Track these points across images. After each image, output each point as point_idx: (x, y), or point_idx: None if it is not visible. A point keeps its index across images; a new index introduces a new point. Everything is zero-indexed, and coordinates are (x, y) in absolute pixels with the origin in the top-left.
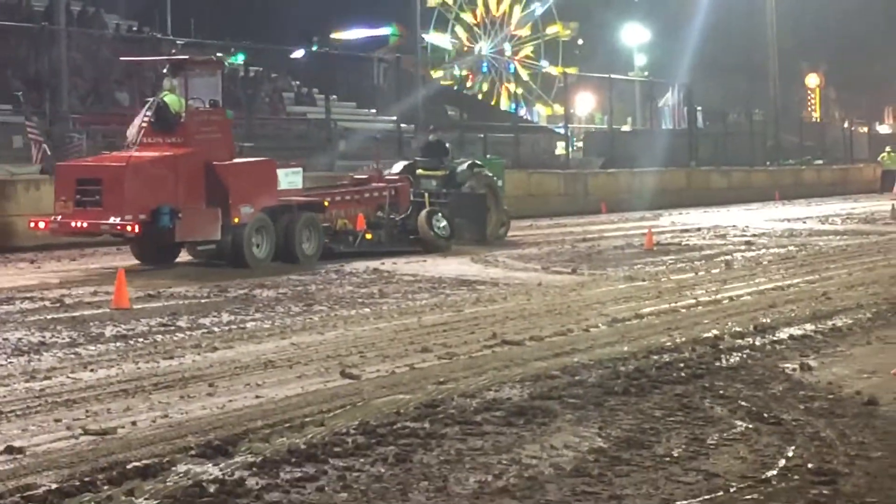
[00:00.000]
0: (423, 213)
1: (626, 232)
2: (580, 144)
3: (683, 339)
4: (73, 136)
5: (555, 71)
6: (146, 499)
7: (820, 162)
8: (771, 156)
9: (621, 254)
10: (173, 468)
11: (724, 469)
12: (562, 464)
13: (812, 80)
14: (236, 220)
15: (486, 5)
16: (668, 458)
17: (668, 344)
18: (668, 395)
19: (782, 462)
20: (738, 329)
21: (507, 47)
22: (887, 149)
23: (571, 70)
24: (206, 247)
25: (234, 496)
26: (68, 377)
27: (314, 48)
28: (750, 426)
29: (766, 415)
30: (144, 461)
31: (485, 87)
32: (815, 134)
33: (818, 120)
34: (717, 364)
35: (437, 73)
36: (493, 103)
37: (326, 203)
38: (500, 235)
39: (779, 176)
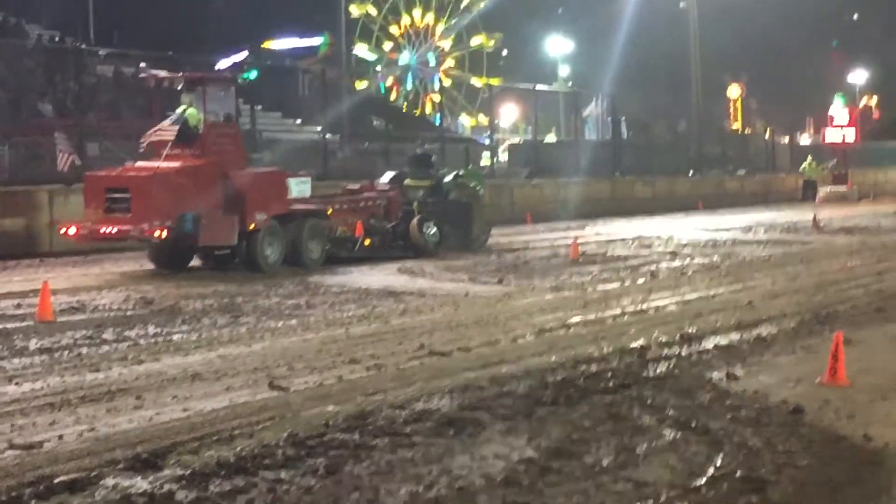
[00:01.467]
0: (415, 220)
1: (551, 242)
2: (505, 155)
3: (611, 349)
4: None
5: (479, 82)
6: None
7: (742, 172)
8: (694, 166)
9: (547, 264)
10: (101, 482)
11: (653, 478)
12: (492, 474)
13: (734, 91)
14: (252, 226)
15: (410, 16)
16: (597, 468)
17: (596, 354)
18: (596, 404)
19: (711, 470)
20: (664, 339)
21: (432, 58)
22: (808, 159)
23: (495, 81)
24: (221, 252)
25: None
26: None
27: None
28: (678, 435)
29: (694, 424)
30: (72, 475)
31: (409, 97)
32: (737, 144)
33: (740, 130)
34: (645, 374)
35: (361, 84)
36: (417, 114)
37: (330, 211)
38: (482, 242)
39: (702, 185)
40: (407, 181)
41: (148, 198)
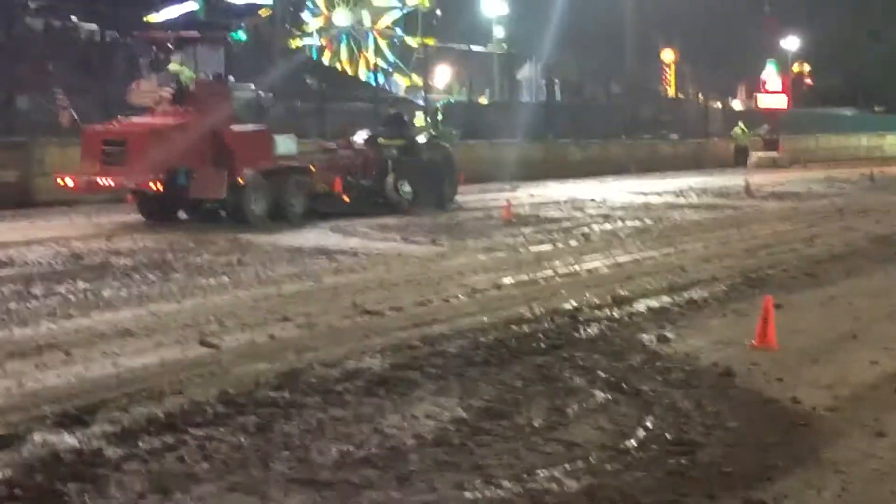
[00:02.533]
0: (390, 178)
1: (485, 203)
2: (439, 117)
3: (542, 310)
4: None
5: (414, 42)
6: (1, 469)
7: (675, 136)
8: (627, 129)
9: (480, 225)
10: (29, 438)
11: (584, 439)
12: (423, 434)
13: (667, 55)
14: (240, 180)
15: None
16: (528, 428)
17: (528, 315)
18: (528, 365)
19: (641, 432)
20: (596, 301)
21: (366, 17)
22: (740, 123)
23: (430, 41)
24: (211, 205)
25: (92, 466)
26: None
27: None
28: (609, 397)
29: (624, 385)
30: None
31: (343, 57)
32: (670, 108)
33: (673, 95)
34: (576, 335)
35: (295, 43)
36: (352, 74)
37: (313, 168)
38: (452, 200)
39: (635, 149)
40: (381, 140)
41: (144, 151)
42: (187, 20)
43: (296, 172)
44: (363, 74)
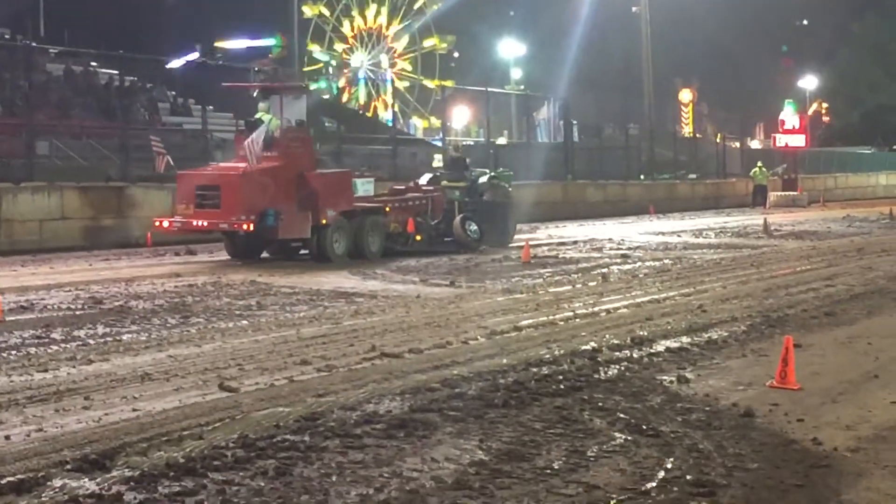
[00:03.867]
0: (458, 218)
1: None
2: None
3: (562, 351)
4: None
5: (432, 84)
6: None
7: (693, 176)
8: (645, 170)
9: (499, 266)
10: (49, 483)
11: (604, 481)
12: (443, 476)
13: (685, 95)
14: (323, 221)
15: (363, 17)
16: (548, 471)
17: (547, 356)
18: (547, 407)
19: (661, 474)
20: (615, 341)
21: (385, 59)
22: (759, 164)
23: (448, 83)
24: (295, 244)
25: None
26: None
27: (197, 56)
28: (629, 438)
29: (644, 427)
30: (19, 476)
31: (362, 99)
32: (688, 149)
33: (691, 135)
34: (596, 376)
35: (314, 86)
36: (370, 115)
37: (388, 209)
38: (512, 237)
39: (653, 190)
40: (444, 182)
41: (237, 194)
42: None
43: (373, 213)
44: (381, 116)
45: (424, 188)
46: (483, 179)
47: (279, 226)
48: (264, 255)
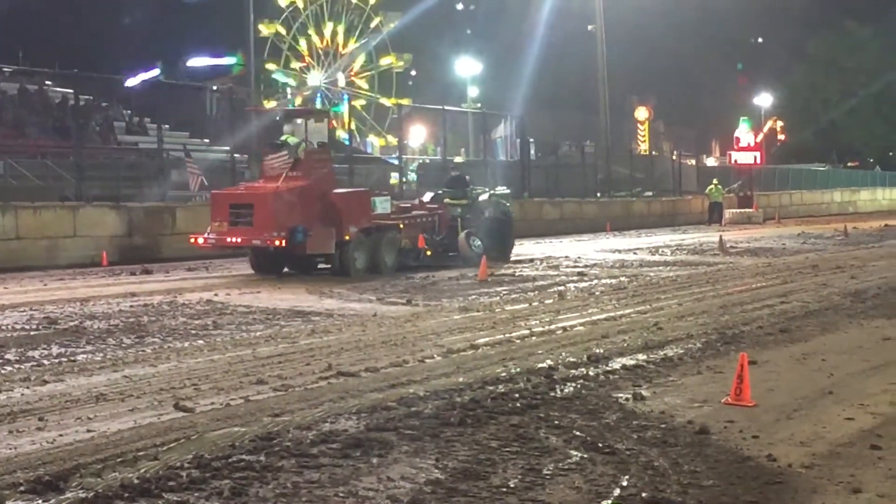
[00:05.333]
0: (463, 234)
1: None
2: (414, 175)
3: (518, 369)
4: None
5: (388, 102)
6: None
7: (650, 194)
8: (602, 187)
9: (456, 284)
10: None
11: (559, 499)
12: (399, 496)
13: (641, 113)
14: (346, 237)
15: (319, 35)
16: (504, 489)
17: (503, 374)
18: (503, 425)
19: (617, 491)
20: (571, 359)
21: (341, 78)
22: (714, 181)
23: (405, 101)
24: (318, 259)
25: None
26: None
27: (158, 73)
28: (585, 456)
29: (600, 444)
30: None
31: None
32: (644, 166)
33: (647, 152)
34: (552, 394)
35: (270, 104)
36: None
37: (402, 226)
38: (511, 252)
39: (610, 207)
40: (446, 200)
41: (269, 212)
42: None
43: (388, 230)
44: (338, 134)
45: (430, 206)
46: (484, 197)
47: (307, 242)
48: (285, 269)
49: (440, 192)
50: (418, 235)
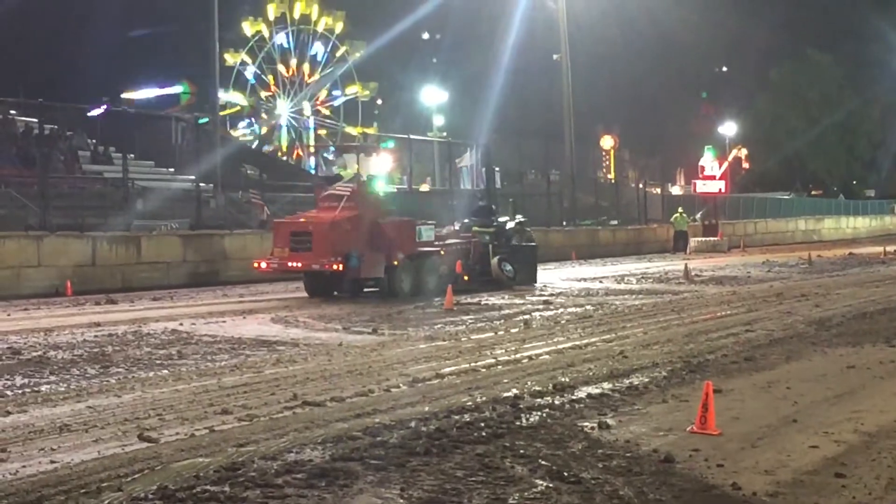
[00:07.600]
0: (495, 259)
1: None
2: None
3: (484, 398)
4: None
5: (354, 131)
6: None
7: (615, 222)
8: (567, 216)
9: (422, 314)
10: None
11: None
12: None
13: (607, 141)
14: (395, 262)
15: (285, 64)
16: None
17: (469, 403)
18: (469, 455)
19: None
20: (537, 388)
21: (307, 106)
22: (679, 210)
23: (370, 130)
24: (368, 282)
25: None
26: None
27: (104, 108)
28: (550, 485)
29: (565, 474)
30: None
31: (284, 145)
32: (610, 194)
33: (613, 181)
34: (518, 423)
35: (235, 132)
36: (291, 161)
37: (442, 252)
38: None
39: (575, 235)
40: (475, 228)
41: (327, 239)
42: None
43: (431, 256)
44: (303, 163)
45: (463, 234)
46: (511, 225)
47: (361, 266)
48: (335, 293)
49: (467, 220)
50: (456, 261)
